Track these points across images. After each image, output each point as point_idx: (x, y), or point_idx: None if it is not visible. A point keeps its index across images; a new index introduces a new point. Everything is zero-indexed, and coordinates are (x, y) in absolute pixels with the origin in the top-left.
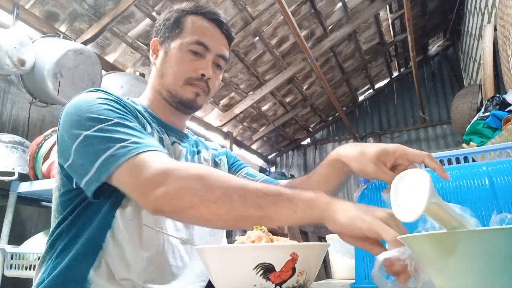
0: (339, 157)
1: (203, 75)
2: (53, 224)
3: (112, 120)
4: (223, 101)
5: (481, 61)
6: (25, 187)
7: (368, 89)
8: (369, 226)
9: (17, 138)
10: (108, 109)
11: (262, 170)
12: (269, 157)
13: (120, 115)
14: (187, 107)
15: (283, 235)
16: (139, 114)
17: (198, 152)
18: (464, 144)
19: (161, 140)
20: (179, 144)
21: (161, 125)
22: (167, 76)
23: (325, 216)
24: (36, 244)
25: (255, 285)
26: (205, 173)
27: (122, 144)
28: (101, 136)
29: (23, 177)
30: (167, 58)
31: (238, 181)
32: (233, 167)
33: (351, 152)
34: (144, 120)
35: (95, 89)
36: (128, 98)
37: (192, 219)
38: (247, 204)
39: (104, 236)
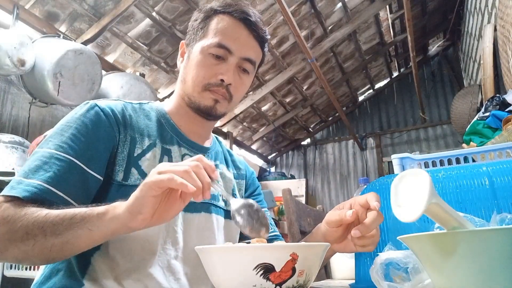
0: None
1: (222, 80)
2: None
3: (49, 149)
4: None
5: (481, 61)
6: None
7: (368, 89)
8: (147, 185)
9: (17, 138)
10: (65, 133)
11: (262, 170)
12: (269, 157)
13: (62, 145)
14: (207, 114)
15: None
16: (139, 126)
17: (216, 166)
18: (464, 144)
19: (167, 152)
20: (191, 156)
21: (176, 134)
22: (187, 82)
23: (121, 221)
24: None
25: (255, 285)
26: (11, 214)
27: (16, 177)
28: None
29: None
30: (189, 62)
31: (42, 214)
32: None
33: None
34: (146, 132)
35: (86, 103)
36: (149, 103)
37: (8, 260)
38: (46, 235)
39: (92, 253)
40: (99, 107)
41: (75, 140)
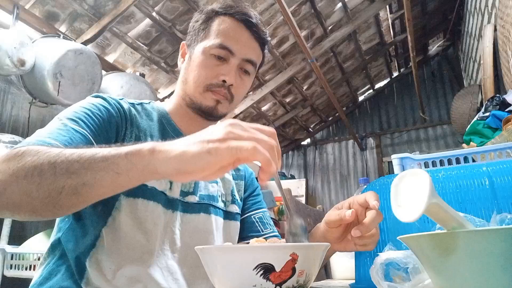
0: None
1: (224, 81)
2: (55, 226)
3: (62, 121)
4: None
5: (481, 61)
6: None
7: (368, 89)
8: (219, 151)
9: (17, 138)
10: (78, 111)
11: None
12: None
13: (77, 120)
14: (208, 114)
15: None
16: (143, 126)
17: None
18: (464, 144)
19: None
20: None
21: (177, 134)
22: (189, 82)
23: (156, 167)
24: (36, 244)
25: (255, 285)
26: (22, 150)
27: (33, 135)
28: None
29: None
30: (190, 63)
31: (55, 150)
32: (249, 201)
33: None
34: (148, 132)
35: (96, 95)
36: (150, 103)
37: (5, 204)
38: (57, 172)
39: (88, 253)
40: (110, 99)
41: (89, 119)
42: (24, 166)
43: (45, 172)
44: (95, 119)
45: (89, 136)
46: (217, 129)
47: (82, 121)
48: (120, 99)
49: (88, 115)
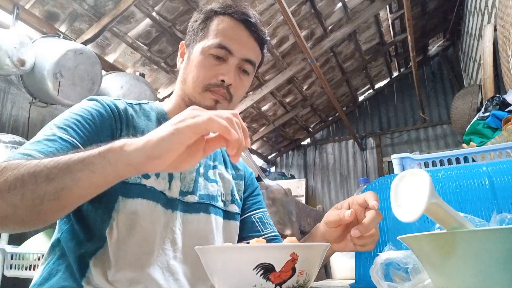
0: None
1: (223, 81)
2: (57, 226)
3: (52, 129)
4: None
5: (481, 61)
6: None
7: (368, 89)
8: (179, 130)
9: (17, 138)
10: (68, 118)
11: (262, 170)
12: (269, 157)
13: (66, 128)
14: None
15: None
16: (140, 126)
17: (214, 167)
18: (464, 144)
19: None
20: None
21: None
22: (188, 82)
23: (128, 158)
24: (36, 244)
25: (255, 285)
26: (8, 164)
27: (20, 148)
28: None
29: None
30: (189, 63)
31: (34, 161)
32: (249, 201)
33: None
34: (146, 133)
35: (90, 98)
36: (148, 103)
37: None
38: (37, 181)
39: (91, 255)
40: (105, 102)
41: (80, 126)
42: (6, 180)
43: (27, 183)
44: (86, 125)
45: (78, 144)
46: (179, 115)
47: (72, 128)
48: (117, 100)
49: (79, 121)
